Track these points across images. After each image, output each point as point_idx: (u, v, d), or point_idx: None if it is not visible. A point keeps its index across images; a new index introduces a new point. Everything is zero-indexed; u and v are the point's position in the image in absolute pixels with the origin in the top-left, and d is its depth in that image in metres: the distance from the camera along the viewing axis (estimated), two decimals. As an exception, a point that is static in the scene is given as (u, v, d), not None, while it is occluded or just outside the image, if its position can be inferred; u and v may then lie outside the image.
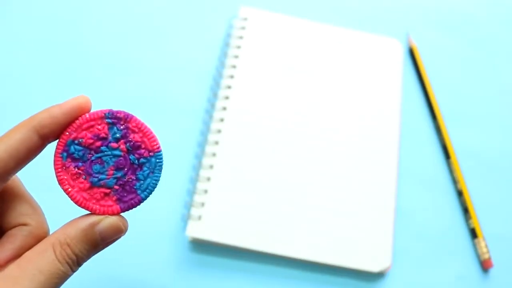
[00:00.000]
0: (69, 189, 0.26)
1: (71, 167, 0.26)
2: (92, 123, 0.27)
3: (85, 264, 0.42)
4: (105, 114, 0.27)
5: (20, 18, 0.51)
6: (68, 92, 0.48)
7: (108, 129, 0.27)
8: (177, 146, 0.46)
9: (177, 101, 0.49)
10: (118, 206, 0.26)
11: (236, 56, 0.50)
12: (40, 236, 0.27)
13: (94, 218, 0.26)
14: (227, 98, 0.48)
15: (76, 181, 0.26)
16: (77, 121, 0.27)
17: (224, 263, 0.42)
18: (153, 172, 0.27)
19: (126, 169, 0.27)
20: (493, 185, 0.48)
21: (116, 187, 0.26)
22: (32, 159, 0.27)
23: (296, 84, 0.49)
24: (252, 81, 0.49)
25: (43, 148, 0.27)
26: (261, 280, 0.42)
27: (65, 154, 0.26)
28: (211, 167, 0.44)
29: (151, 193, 0.27)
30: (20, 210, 0.28)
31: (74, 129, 0.27)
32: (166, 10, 0.53)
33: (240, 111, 0.47)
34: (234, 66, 0.49)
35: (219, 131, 0.46)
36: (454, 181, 0.48)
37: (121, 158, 0.27)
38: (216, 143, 0.45)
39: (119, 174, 0.26)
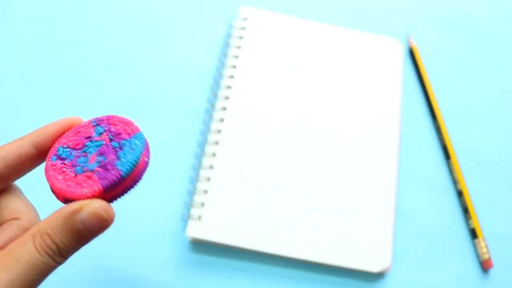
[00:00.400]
0: (54, 181, 0.26)
1: (58, 164, 0.27)
2: (80, 129, 0.28)
3: (84, 264, 0.42)
4: (91, 121, 0.29)
5: (20, 18, 0.51)
6: (68, 92, 0.48)
7: (94, 130, 0.28)
8: (177, 146, 0.46)
9: (177, 101, 0.49)
10: (99, 184, 0.26)
11: (236, 56, 0.50)
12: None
13: (75, 206, 0.25)
14: (227, 98, 0.48)
15: (62, 175, 0.27)
16: (66, 132, 0.29)
17: (224, 263, 0.42)
18: (133, 150, 0.26)
19: (107, 153, 0.27)
20: (493, 185, 0.48)
21: (98, 169, 0.26)
22: (27, 168, 0.28)
23: (296, 84, 0.49)
24: (252, 81, 0.49)
25: (39, 162, 0.28)
26: (261, 280, 0.42)
27: (54, 157, 0.27)
28: (211, 167, 0.44)
29: (131, 168, 0.26)
30: (13, 208, 0.28)
31: (64, 137, 0.28)
32: (166, 10, 0.53)
33: (240, 111, 0.47)
34: (234, 66, 0.49)
35: (219, 131, 0.46)
36: (454, 181, 0.48)
37: (104, 145, 0.27)
38: (216, 143, 0.45)
39: (101, 158, 0.26)
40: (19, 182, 0.30)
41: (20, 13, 0.51)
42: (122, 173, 0.26)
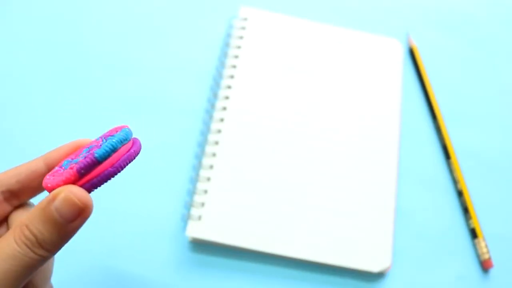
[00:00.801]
0: (45, 181, 0.27)
1: (54, 170, 0.28)
2: (86, 145, 0.29)
3: (84, 264, 0.42)
4: (96, 138, 0.29)
5: (20, 18, 0.51)
6: (68, 92, 0.48)
7: (95, 141, 0.29)
8: (177, 146, 0.46)
9: (177, 101, 0.49)
10: (74, 169, 0.26)
11: (236, 56, 0.50)
12: None
13: (51, 195, 0.25)
14: (227, 98, 0.48)
15: (54, 174, 0.27)
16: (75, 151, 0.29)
17: (224, 263, 0.42)
18: (113, 139, 0.27)
19: (94, 148, 0.27)
20: (493, 185, 0.48)
21: (80, 160, 0.26)
22: (39, 188, 0.29)
23: (296, 84, 0.49)
24: (252, 81, 0.49)
25: None
26: (261, 280, 0.42)
27: (57, 167, 0.28)
28: (211, 167, 0.44)
29: (107, 152, 0.26)
30: (22, 219, 0.29)
31: (71, 155, 0.29)
32: (166, 10, 0.53)
33: (240, 111, 0.47)
34: (234, 66, 0.49)
35: (219, 131, 0.46)
36: (454, 181, 0.48)
37: (94, 146, 0.27)
38: (216, 143, 0.45)
39: (87, 154, 0.27)
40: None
41: (20, 13, 0.51)
42: (96, 155, 0.25)
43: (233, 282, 0.42)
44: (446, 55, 0.54)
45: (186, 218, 0.43)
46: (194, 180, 0.44)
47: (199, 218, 0.42)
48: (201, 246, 0.43)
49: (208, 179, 0.44)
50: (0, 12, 0.51)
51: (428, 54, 0.54)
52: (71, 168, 0.26)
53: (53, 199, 0.24)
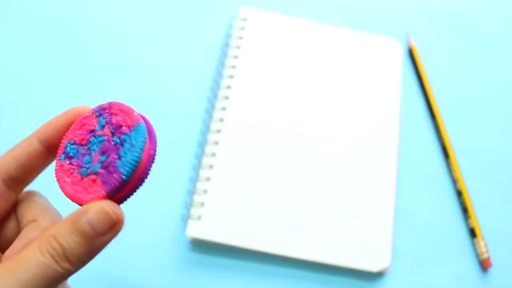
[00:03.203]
0: (64, 185, 0.26)
1: (66, 165, 0.27)
2: (85, 121, 0.27)
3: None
4: (94, 109, 0.27)
5: (20, 18, 0.51)
6: (67, 92, 0.48)
7: (97, 121, 0.27)
8: (177, 146, 0.47)
9: (177, 101, 0.49)
10: (102, 190, 0.25)
11: (236, 56, 0.50)
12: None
13: (82, 208, 0.24)
14: (227, 98, 0.48)
15: (70, 177, 0.26)
16: (73, 125, 0.28)
17: (224, 263, 0.42)
18: (133, 146, 0.25)
19: (109, 150, 0.26)
20: (492, 185, 0.48)
21: (101, 171, 0.25)
22: (38, 168, 0.28)
23: (296, 84, 0.49)
24: (252, 81, 0.49)
25: (50, 160, 0.28)
26: (261, 280, 0.42)
27: (63, 155, 0.27)
28: (211, 167, 0.44)
29: (133, 168, 0.25)
30: (30, 212, 0.28)
31: (70, 131, 0.28)
32: (166, 10, 0.53)
33: (240, 111, 0.47)
34: (234, 66, 0.49)
35: (219, 131, 0.46)
36: (454, 181, 0.48)
37: (106, 141, 0.26)
38: (216, 143, 0.45)
39: (103, 158, 0.26)
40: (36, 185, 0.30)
41: (20, 13, 0.51)
42: (123, 176, 0.25)
43: (233, 282, 0.42)
44: (445, 55, 0.54)
45: (186, 218, 0.43)
46: (194, 180, 0.44)
47: (199, 218, 0.42)
48: (201, 246, 0.43)
49: (208, 179, 0.44)
50: (0, 12, 0.51)
51: (427, 54, 0.54)
52: (94, 181, 0.25)
53: (84, 212, 0.24)
